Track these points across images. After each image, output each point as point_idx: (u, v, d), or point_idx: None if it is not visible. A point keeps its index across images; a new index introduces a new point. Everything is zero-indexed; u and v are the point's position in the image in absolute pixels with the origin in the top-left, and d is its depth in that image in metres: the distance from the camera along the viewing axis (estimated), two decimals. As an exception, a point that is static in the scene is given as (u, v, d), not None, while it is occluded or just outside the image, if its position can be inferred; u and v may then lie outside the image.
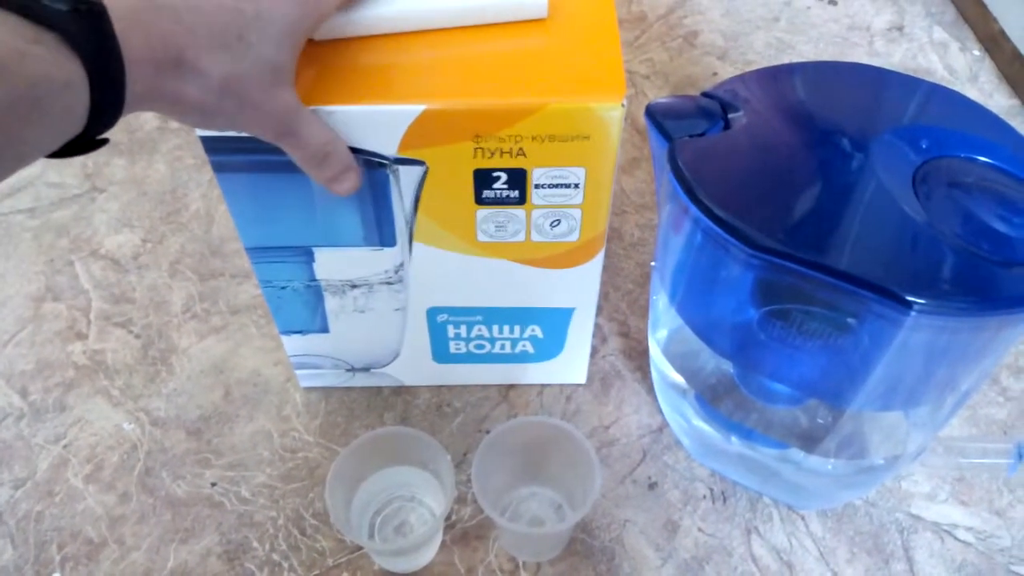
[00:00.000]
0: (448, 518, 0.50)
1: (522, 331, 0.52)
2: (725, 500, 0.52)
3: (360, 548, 0.49)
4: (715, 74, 0.80)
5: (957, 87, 0.79)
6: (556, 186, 0.42)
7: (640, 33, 0.84)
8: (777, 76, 0.43)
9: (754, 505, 0.51)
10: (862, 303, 0.35)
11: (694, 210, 0.36)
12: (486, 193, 0.42)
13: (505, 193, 0.42)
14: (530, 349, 0.54)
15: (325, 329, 0.51)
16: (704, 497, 0.52)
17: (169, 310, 0.61)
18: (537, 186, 0.41)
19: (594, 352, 0.58)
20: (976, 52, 0.82)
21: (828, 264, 0.34)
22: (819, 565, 0.49)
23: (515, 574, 0.48)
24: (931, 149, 0.38)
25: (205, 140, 0.39)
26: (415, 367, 0.55)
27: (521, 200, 0.42)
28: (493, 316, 0.51)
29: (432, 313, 0.50)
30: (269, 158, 0.39)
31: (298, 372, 0.55)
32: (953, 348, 0.38)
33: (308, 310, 0.50)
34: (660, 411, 0.55)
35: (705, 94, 0.41)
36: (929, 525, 0.51)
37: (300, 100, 0.36)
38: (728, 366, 0.49)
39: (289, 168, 0.39)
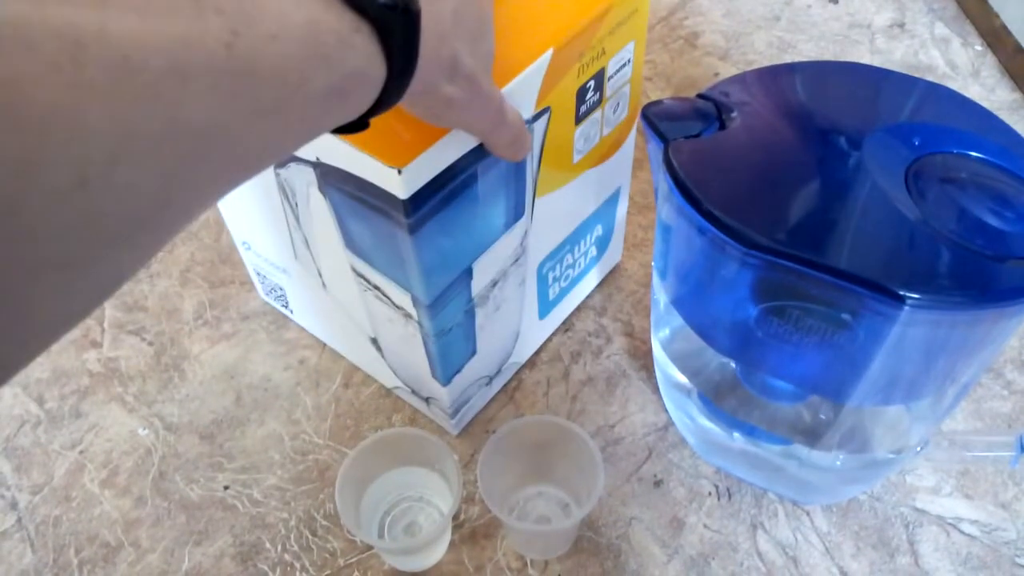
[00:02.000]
0: (456, 517, 0.51)
1: (591, 236, 0.54)
2: (730, 497, 0.52)
3: (370, 548, 0.50)
4: (717, 74, 0.81)
5: (959, 83, 0.79)
6: (619, 70, 0.45)
7: (642, 35, 0.85)
8: (772, 76, 0.43)
9: (759, 501, 0.52)
10: (857, 299, 0.35)
11: (689, 210, 0.37)
12: (582, 109, 0.45)
13: (592, 101, 0.45)
14: (594, 251, 0.55)
15: (474, 352, 0.50)
16: (709, 494, 0.52)
17: (181, 317, 0.62)
18: (609, 78, 0.45)
19: (599, 352, 0.59)
20: (978, 47, 0.82)
21: (822, 261, 0.34)
22: (824, 559, 0.49)
23: (523, 572, 0.49)
24: (923, 146, 0.38)
25: (411, 201, 0.36)
26: (527, 338, 0.55)
27: (599, 101, 0.45)
28: (576, 237, 0.52)
29: (540, 268, 0.50)
30: (452, 186, 0.38)
31: (453, 421, 0.52)
32: (950, 341, 0.38)
33: (464, 340, 0.48)
34: (665, 409, 0.56)
35: (700, 95, 0.42)
36: (934, 519, 0.51)
37: None
38: (730, 365, 0.50)
39: (464, 186, 0.39)
